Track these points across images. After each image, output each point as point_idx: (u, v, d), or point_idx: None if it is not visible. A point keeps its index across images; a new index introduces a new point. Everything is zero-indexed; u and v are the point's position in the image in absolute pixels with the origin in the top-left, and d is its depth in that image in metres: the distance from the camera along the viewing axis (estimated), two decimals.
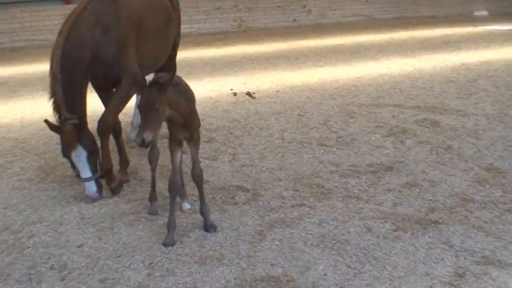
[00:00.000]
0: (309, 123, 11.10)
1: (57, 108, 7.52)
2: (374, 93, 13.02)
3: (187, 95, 6.64)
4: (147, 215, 7.62)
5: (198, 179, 6.93)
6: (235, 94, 13.22)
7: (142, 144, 5.91)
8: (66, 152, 7.50)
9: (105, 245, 6.92)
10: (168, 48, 9.50)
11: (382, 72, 15.00)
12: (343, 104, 12.26)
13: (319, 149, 9.74)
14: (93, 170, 7.67)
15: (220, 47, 19.30)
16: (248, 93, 13.36)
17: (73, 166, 7.70)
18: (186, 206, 7.60)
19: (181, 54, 10.73)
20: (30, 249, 6.92)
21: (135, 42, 8.14)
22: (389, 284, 6.01)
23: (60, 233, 7.24)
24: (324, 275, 6.21)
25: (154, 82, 6.03)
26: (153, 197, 7.64)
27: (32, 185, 8.67)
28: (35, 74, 16.04)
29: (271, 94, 13.27)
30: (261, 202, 7.89)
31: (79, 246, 6.92)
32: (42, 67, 16.44)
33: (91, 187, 7.74)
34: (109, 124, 8.01)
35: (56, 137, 9.93)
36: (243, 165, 9.10)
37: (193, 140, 6.78)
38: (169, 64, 9.94)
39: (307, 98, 12.86)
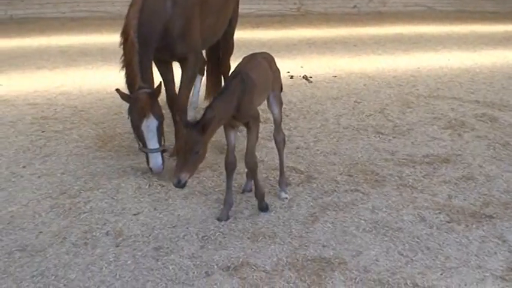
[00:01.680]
0: (365, 110, 11.05)
1: (131, 76, 7.56)
2: (433, 84, 12.90)
3: (243, 88, 6.58)
4: (201, 189, 7.68)
5: (249, 165, 6.93)
6: (292, 77, 13.20)
7: (178, 184, 5.95)
8: (138, 121, 7.51)
9: (160, 215, 7.02)
10: (225, 24, 9.59)
11: (441, 64, 14.84)
12: (401, 93, 12.17)
13: (374, 136, 9.71)
14: (160, 141, 7.71)
15: (278, 29, 19.26)
16: (305, 77, 13.34)
17: (139, 138, 7.68)
18: (283, 195, 7.57)
19: (239, 34, 10.73)
20: (86, 214, 7.04)
21: (198, 17, 8.24)
22: (441, 274, 6.00)
23: (116, 201, 7.35)
24: (376, 260, 6.22)
25: (196, 123, 6.10)
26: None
27: (90, 153, 8.79)
28: (94, 44, 16.19)
29: (327, 79, 13.23)
30: (315, 185, 7.90)
31: (135, 215, 7.02)
32: (102, 38, 16.68)
33: (157, 159, 7.73)
34: (185, 105, 8.30)
35: (115, 107, 10.12)
36: (297, 148, 9.11)
37: (249, 128, 6.77)
38: (226, 41, 10.04)
39: (365, 85, 12.80)
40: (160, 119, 7.59)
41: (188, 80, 8.31)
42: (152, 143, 7.61)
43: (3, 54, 15.03)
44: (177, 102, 8.09)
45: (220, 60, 10.27)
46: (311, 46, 16.82)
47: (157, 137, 7.62)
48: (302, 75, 13.34)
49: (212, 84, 10.19)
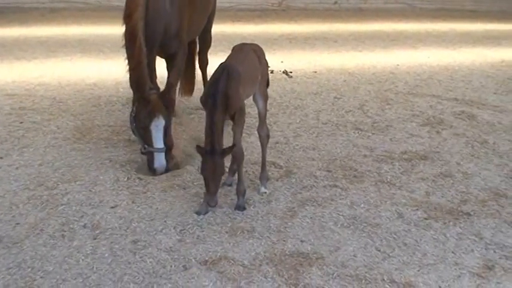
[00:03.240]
0: (344, 106, 11.08)
1: (140, 79, 7.45)
2: (412, 81, 12.95)
3: (229, 81, 6.61)
4: (180, 182, 7.67)
5: (236, 155, 6.96)
6: (272, 72, 13.18)
7: (215, 205, 6.63)
8: (147, 121, 7.44)
9: (138, 208, 6.99)
10: (205, 20, 9.65)
11: (421, 61, 14.90)
12: (380, 90, 12.21)
13: (353, 132, 9.73)
14: (165, 141, 7.67)
15: (258, 23, 19.25)
16: (285, 72, 13.34)
17: (145, 138, 7.59)
18: (262, 189, 7.55)
19: (219, 28, 10.78)
20: (63, 206, 7.00)
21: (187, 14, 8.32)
22: (418, 270, 6.03)
23: (94, 193, 7.32)
24: (354, 255, 6.24)
25: (221, 151, 6.46)
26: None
27: (68, 144, 8.74)
28: (74, 35, 16.10)
29: (308, 74, 13.24)
30: (294, 180, 7.91)
31: (112, 207, 6.99)
32: (81, 30, 16.59)
33: (162, 159, 7.69)
34: (174, 98, 8.32)
35: (93, 99, 10.09)
36: (277, 142, 9.11)
37: (235, 120, 6.82)
38: (204, 35, 10.18)
39: (344, 81, 12.82)
40: (167, 119, 7.57)
41: (178, 74, 8.44)
42: (159, 142, 7.56)
43: None
44: (168, 96, 8.02)
45: (199, 54, 10.29)
46: (291, 41, 16.82)
47: (164, 137, 7.60)
48: (282, 70, 13.35)
49: (186, 79, 10.16)
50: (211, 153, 6.36)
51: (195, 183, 7.63)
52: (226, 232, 6.56)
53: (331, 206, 7.26)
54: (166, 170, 7.87)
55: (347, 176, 8.09)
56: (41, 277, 5.67)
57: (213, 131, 6.38)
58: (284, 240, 6.44)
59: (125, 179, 7.69)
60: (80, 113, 10.10)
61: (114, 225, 6.62)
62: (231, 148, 6.58)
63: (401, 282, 5.83)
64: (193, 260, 6.01)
